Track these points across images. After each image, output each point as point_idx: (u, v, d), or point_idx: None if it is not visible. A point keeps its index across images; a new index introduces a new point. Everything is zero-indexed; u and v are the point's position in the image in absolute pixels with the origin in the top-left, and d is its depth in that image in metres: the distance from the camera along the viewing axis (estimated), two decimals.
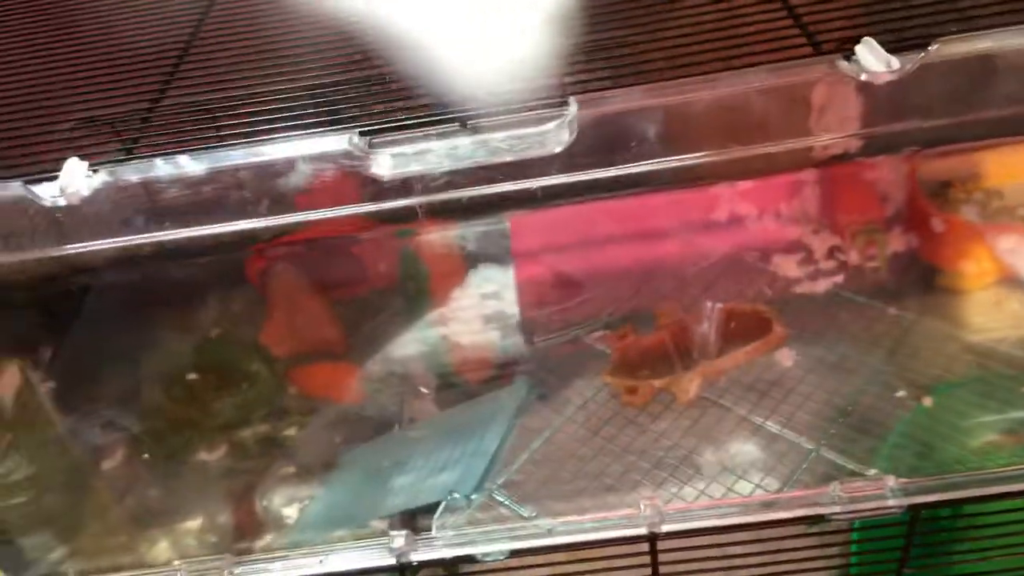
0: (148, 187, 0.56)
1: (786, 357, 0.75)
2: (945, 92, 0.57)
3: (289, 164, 0.58)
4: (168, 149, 0.57)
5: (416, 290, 0.92)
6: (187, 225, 0.58)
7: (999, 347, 0.75)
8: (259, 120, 0.61)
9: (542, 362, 0.83)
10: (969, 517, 0.69)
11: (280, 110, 0.62)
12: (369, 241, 0.92)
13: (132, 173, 0.55)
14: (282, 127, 0.60)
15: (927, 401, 0.70)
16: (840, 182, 0.83)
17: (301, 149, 0.58)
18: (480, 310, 0.89)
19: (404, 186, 0.60)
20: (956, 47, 0.56)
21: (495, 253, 0.87)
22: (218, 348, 0.94)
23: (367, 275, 0.95)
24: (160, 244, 0.58)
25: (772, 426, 0.70)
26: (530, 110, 0.60)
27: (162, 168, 0.55)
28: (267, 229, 0.60)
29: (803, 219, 0.84)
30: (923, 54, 0.55)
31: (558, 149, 0.57)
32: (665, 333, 0.74)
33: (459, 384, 0.88)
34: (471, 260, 0.88)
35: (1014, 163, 0.80)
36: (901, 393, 0.71)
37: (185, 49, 0.73)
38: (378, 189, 0.60)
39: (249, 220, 0.59)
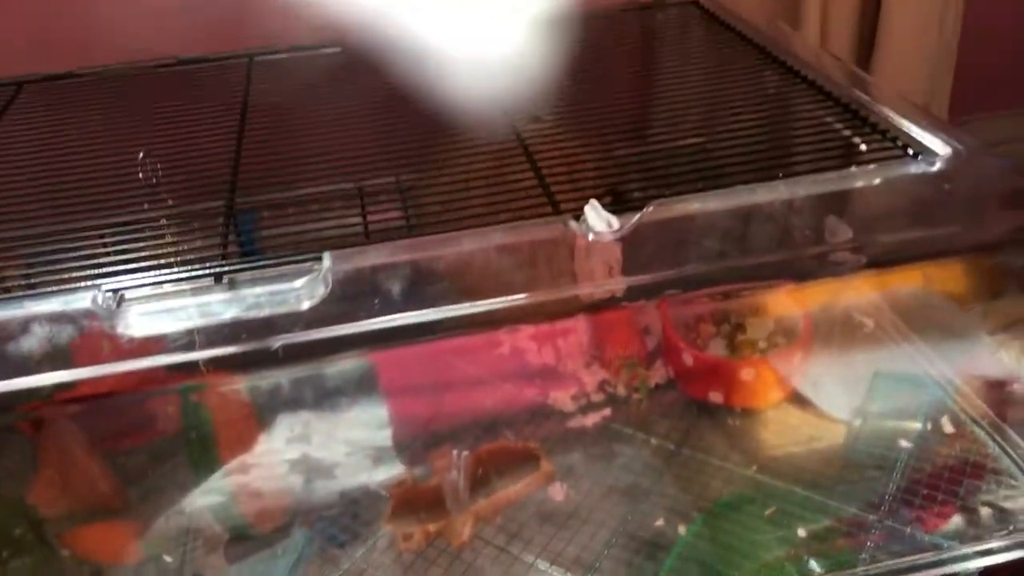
0: None
1: (557, 492, 0.77)
2: (664, 247, 0.64)
3: (24, 324, 0.56)
4: None
5: (201, 440, 0.89)
6: None
7: (768, 467, 0.79)
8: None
9: (327, 510, 0.82)
10: None
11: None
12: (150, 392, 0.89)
13: None
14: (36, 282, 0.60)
15: (681, 530, 0.74)
16: (608, 321, 0.89)
17: (40, 307, 0.57)
18: (282, 456, 0.87)
19: (166, 342, 0.59)
20: (668, 209, 0.63)
21: (301, 399, 0.86)
22: None
23: (150, 427, 0.91)
24: None
25: (542, 564, 0.72)
26: (285, 263, 0.62)
27: None
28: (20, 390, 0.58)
29: (577, 355, 0.90)
30: (638, 215, 0.62)
31: (309, 304, 0.59)
32: (439, 477, 0.76)
33: (252, 535, 0.85)
34: (275, 408, 0.87)
35: (754, 303, 0.89)
36: (659, 522, 0.74)
37: None
38: (137, 345, 0.59)
39: None
